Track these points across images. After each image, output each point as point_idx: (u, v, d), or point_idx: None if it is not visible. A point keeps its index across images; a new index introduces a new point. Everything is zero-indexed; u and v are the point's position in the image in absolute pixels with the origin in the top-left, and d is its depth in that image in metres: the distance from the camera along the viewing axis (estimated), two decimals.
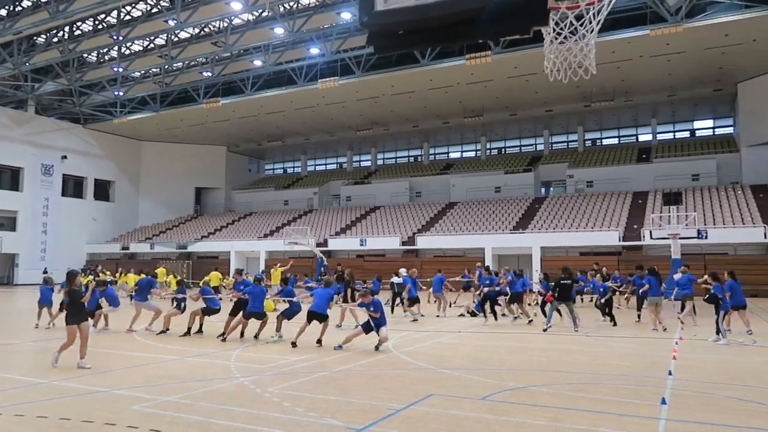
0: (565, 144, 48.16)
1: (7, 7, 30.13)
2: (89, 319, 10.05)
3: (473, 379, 8.33)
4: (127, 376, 8.56)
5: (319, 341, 11.61)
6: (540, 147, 48.36)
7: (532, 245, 32.69)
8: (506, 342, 12.37)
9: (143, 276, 16.10)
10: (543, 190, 44.62)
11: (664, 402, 6.77)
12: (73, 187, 48.09)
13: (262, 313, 12.50)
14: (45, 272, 33.29)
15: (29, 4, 29.71)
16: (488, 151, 50.36)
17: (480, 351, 11.10)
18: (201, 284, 17.71)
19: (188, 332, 13.05)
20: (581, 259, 30.89)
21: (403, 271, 18.75)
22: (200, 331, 13.33)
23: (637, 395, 7.31)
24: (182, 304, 13.68)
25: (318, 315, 11.74)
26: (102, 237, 48.79)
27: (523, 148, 49.81)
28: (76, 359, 9.44)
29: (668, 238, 26.62)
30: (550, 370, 9.09)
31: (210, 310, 13.35)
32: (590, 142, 47.07)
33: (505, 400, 7.00)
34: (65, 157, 46.23)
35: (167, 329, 13.54)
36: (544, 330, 13.88)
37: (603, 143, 46.81)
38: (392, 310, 17.94)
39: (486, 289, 15.92)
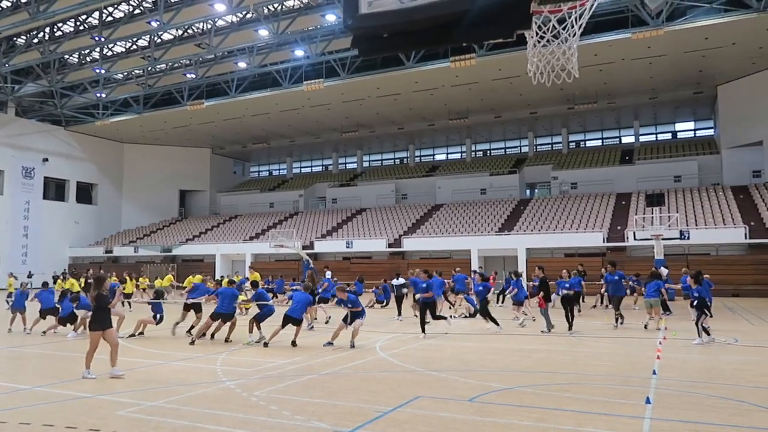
0: (550, 146, 48.53)
1: None
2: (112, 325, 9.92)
3: (460, 380, 8.36)
4: (111, 381, 8.47)
5: (293, 342, 11.94)
6: (525, 149, 48.67)
7: (518, 247, 32.88)
8: (493, 344, 12.42)
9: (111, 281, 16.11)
10: (528, 191, 44.91)
11: (648, 401, 6.85)
12: (54, 189, 47.47)
13: (229, 314, 12.59)
14: (29, 276, 32.86)
15: (8, 4, 29.33)
16: (473, 153, 50.58)
17: (467, 353, 11.14)
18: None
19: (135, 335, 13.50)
20: (566, 261, 31.13)
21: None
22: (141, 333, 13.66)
23: (622, 395, 7.39)
24: (158, 315, 13.65)
25: (292, 319, 12.01)
26: (85, 240, 48.20)
27: (507, 150, 50.11)
28: (69, 365, 9.31)
29: (651, 239, 26.97)
30: (536, 371, 9.15)
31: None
32: (574, 143, 47.49)
33: (492, 402, 7.04)
34: (47, 159, 45.63)
35: (141, 333, 13.64)
36: (547, 331, 13.97)
37: (587, 145, 47.26)
38: (399, 312, 18.33)
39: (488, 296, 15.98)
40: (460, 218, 38.71)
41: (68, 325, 14.07)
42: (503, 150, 50.34)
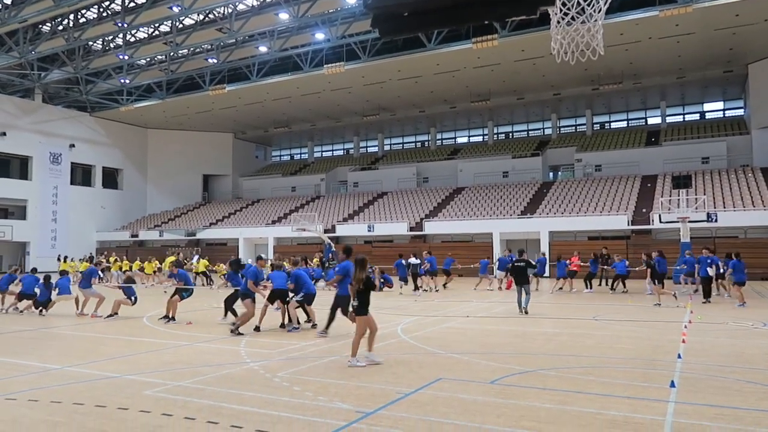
0: (573, 128, 47.81)
1: None
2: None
3: (482, 363, 8.35)
4: (138, 361, 8.65)
5: (282, 325, 12.14)
6: (548, 131, 48.04)
7: (540, 230, 32.61)
8: (514, 326, 12.38)
9: (90, 265, 17.13)
10: (551, 174, 44.41)
11: (673, 385, 6.77)
12: (81, 175, 48.36)
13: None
14: (58, 259, 33.55)
15: None
16: (495, 135, 50.08)
17: (488, 335, 11.13)
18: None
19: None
20: (590, 244, 30.83)
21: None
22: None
23: (646, 378, 7.32)
24: (133, 297, 14.46)
25: (280, 292, 12.03)
26: (111, 225, 49.10)
27: (530, 132, 49.51)
28: (95, 345, 9.52)
29: (677, 222, 26.49)
30: (558, 354, 9.10)
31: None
32: (599, 125, 46.70)
33: (514, 384, 7.03)
34: (73, 145, 46.42)
35: (115, 313, 14.16)
36: (525, 312, 14.29)
37: (611, 127, 46.44)
38: (416, 288, 21.32)
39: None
40: (482, 201, 38.48)
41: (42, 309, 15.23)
42: (526, 132, 49.75)
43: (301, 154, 60.65)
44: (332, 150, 59.04)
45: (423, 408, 5.95)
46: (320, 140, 58.43)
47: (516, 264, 13.50)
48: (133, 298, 14.43)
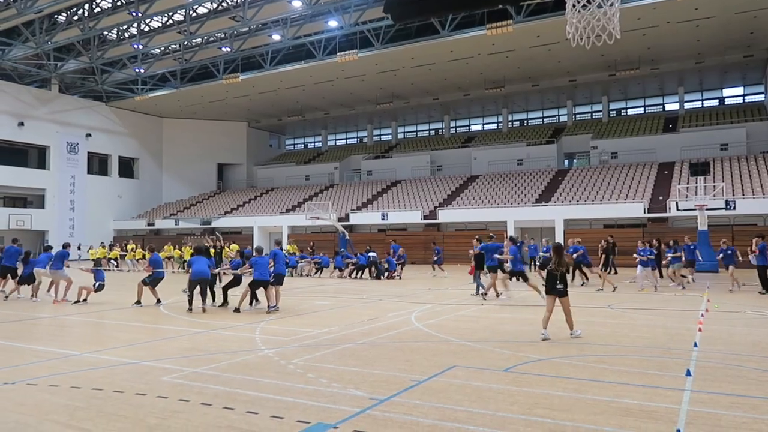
0: (589, 114, 47.30)
1: None
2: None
3: (496, 351, 8.36)
4: (155, 348, 8.77)
5: (269, 308, 12.75)
6: (563, 118, 47.58)
7: (555, 218, 32.42)
8: (528, 314, 12.35)
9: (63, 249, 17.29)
10: (566, 161, 44.04)
11: (689, 374, 6.73)
12: (98, 164, 48.86)
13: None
14: (78, 248, 34.10)
15: None
16: (510, 123, 49.70)
17: (502, 323, 11.12)
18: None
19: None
20: (605, 232, 30.58)
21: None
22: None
23: (661, 367, 7.27)
24: (98, 284, 14.86)
25: (262, 282, 12.72)
26: (128, 213, 49.63)
27: (545, 119, 49.07)
28: (112, 332, 9.66)
29: (695, 210, 26.20)
30: (573, 342, 9.07)
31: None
32: (615, 112, 46.15)
33: (528, 372, 7.03)
34: (89, 135, 46.87)
35: (84, 300, 14.71)
36: (482, 296, 15.04)
37: (628, 113, 45.87)
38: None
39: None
40: (497, 189, 38.30)
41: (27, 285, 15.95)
42: (541, 119, 49.32)
43: (314, 142, 60.70)
44: (346, 138, 59.01)
45: (437, 395, 5.97)
46: (334, 129, 58.41)
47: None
48: (98, 284, 14.73)
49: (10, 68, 40.34)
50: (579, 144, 43.04)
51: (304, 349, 8.53)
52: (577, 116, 47.47)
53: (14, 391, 6.29)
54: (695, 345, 8.56)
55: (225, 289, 14.07)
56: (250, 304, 13.45)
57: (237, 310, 12.79)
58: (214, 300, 13.91)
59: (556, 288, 9.19)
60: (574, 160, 44.25)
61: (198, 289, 13.06)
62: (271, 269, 13.05)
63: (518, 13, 30.22)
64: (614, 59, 35.57)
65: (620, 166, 37.77)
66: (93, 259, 29.22)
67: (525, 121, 50.08)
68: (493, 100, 46.83)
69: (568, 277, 13.68)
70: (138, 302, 14.24)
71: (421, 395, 5.99)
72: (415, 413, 5.39)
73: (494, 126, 50.73)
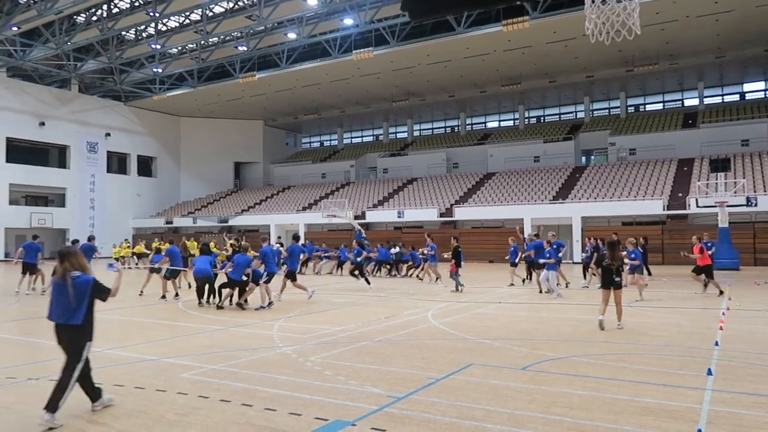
0: (607, 111, 46.83)
1: None
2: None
3: (513, 349, 8.33)
4: (175, 345, 8.87)
5: (239, 304, 13.00)
6: (580, 114, 47.15)
7: (573, 215, 32.18)
8: (546, 313, 12.29)
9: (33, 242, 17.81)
10: (584, 158, 43.65)
11: (710, 373, 6.65)
12: (117, 163, 49.46)
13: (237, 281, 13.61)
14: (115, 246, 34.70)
15: None
16: (526, 119, 49.37)
17: (520, 321, 11.07)
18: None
19: None
20: (624, 229, 30.29)
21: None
22: None
23: (681, 366, 7.19)
24: None
25: (232, 281, 12.96)
26: (146, 212, 50.19)
27: (562, 116, 48.66)
28: (132, 329, 9.78)
29: (715, 207, 25.84)
30: (591, 340, 9.00)
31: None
32: (633, 108, 45.61)
33: (546, 370, 6.99)
34: (109, 134, 47.46)
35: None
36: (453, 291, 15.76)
37: (646, 109, 45.30)
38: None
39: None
40: (513, 186, 38.09)
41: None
42: (558, 116, 48.92)
43: (330, 140, 60.83)
44: (362, 136, 59.05)
45: (454, 393, 5.97)
46: (350, 126, 58.49)
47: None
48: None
49: (31, 69, 40.97)
50: (596, 140, 42.63)
51: (321, 347, 8.56)
52: (595, 112, 47.02)
53: (38, 387, 6.40)
54: (716, 344, 8.46)
55: (219, 288, 13.86)
56: (207, 300, 13.72)
57: (220, 307, 13.05)
58: (220, 298, 13.71)
59: (614, 281, 9.90)
60: (592, 157, 43.84)
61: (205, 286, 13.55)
62: (262, 268, 13.33)
63: (534, 9, 29.99)
64: (632, 54, 35.16)
65: (638, 162, 37.36)
66: (116, 257, 29.69)
67: (542, 118, 49.72)
68: (509, 97, 46.55)
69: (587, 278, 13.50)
70: (163, 297, 14.67)
71: (438, 393, 5.99)
72: (432, 411, 5.39)
73: (510, 123, 50.44)
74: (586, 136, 43.35)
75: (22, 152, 42.57)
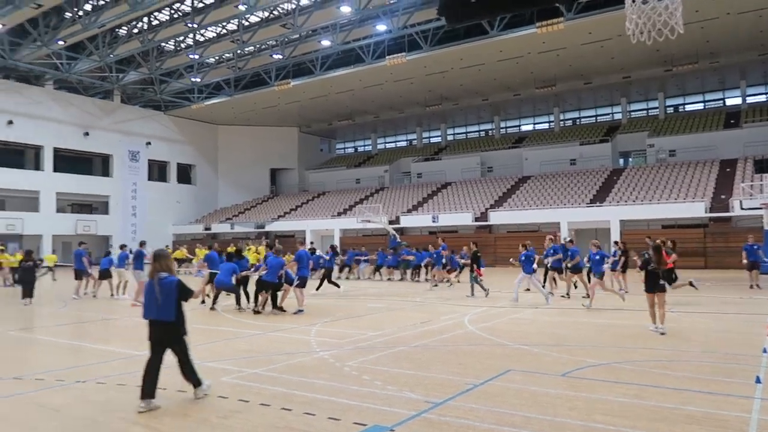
0: (645, 111, 45.82)
1: (91, 2, 31.78)
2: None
3: (552, 355, 8.22)
4: (215, 349, 9.04)
5: (278, 308, 13.22)
6: (617, 116, 46.27)
7: (611, 219, 31.55)
8: (585, 318, 12.09)
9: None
10: (621, 161, 42.82)
11: (758, 381, 6.44)
12: (157, 171, 50.74)
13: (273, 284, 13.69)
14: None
15: None
16: (562, 122, 48.72)
17: (558, 327, 10.92)
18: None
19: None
20: (664, 233, 29.58)
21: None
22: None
23: (728, 373, 6.99)
24: None
25: (266, 283, 13.02)
26: (186, 218, 51.29)
27: (599, 117, 47.84)
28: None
29: (761, 208, 25.01)
30: (632, 346, 8.82)
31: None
32: (672, 108, 44.52)
33: (586, 377, 6.88)
34: (149, 143, 48.75)
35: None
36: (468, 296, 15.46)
37: (686, 109, 44.15)
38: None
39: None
40: (549, 190, 37.60)
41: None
42: (594, 118, 48.11)
43: (364, 146, 61.14)
44: (395, 141, 59.17)
45: (492, 399, 5.93)
46: (383, 132, 58.69)
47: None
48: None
49: (76, 81, 42.41)
50: (634, 142, 41.76)
51: (358, 352, 8.61)
52: (632, 114, 46.07)
53: (86, 389, 6.62)
54: (765, 350, 8.18)
55: (255, 291, 14.05)
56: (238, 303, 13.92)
57: (257, 311, 13.24)
58: (256, 303, 13.88)
59: (658, 285, 9.88)
60: (630, 159, 42.96)
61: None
62: (295, 272, 13.46)
63: (569, 10, 29.61)
64: (671, 54, 34.34)
65: (679, 164, 36.43)
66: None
67: (577, 120, 48.98)
68: (544, 100, 46.02)
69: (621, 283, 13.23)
70: (203, 301, 14.99)
71: (476, 399, 5.96)
72: (471, 417, 5.37)
73: (546, 126, 49.83)
74: (623, 138, 42.50)
75: (68, 162, 44.07)
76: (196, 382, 6.12)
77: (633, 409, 5.54)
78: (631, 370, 7.22)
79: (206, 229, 48.86)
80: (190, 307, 14.47)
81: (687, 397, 5.92)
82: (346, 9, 31.53)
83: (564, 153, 42.71)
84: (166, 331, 5.96)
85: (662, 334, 9.66)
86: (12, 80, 40.96)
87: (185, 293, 5.99)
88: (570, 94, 44.47)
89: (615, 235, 30.62)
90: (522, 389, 6.33)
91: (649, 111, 45.43)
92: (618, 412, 5.47)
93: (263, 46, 39.00)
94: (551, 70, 38.31)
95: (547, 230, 32.87)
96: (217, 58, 41.05)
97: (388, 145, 59.32)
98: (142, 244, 17.27)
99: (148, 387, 5.82)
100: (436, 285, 19.94)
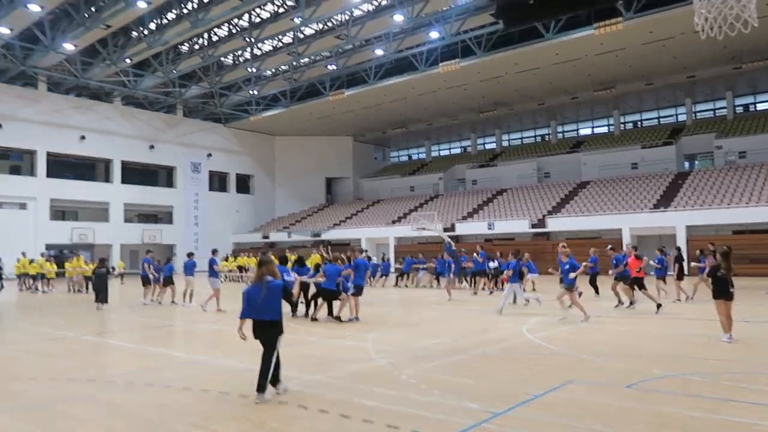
0: (712, 112, 43.84)
1: (155, 21, 33.25)
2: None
3: (616, 365, 7.93)
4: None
5: (336, 317, 13.04)
6: (681, 117, 44.48)
7: (676, 224, 30.30)
8: (649, 327, 11.62)
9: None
10: (687, 164, 41.08)
11: None
12: (218, 182, 52.38)
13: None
14: (226, 258, 36.92)
15: (173, 16, 32.53)
16: (622, 125, 47.24)
17: (621, 336, 10.54)
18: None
19: None
20: (734, 239, 28.19)
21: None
22: None
23: None
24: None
25: (325, 291, 12.99)
26: (244, 227, 52.65)
27: (661, 119, 46.11)
28: (230, 339, 10.28)
29: None
30: (702, 358, 8.41)
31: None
32: (741, 108, 42.40)
33: (654, 389, 6.60)
34: (210, 154, 50.44)
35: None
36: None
37: (757, 108, 41.95)
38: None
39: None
40: (609, 195, 36.48)
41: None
42: (656, 120, 46.41)
43: (418, 153, 61.13)
44: (449, 148, 58.89)
45: (554, 411, 5.77)
46: (437, 139, 58.53)
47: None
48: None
49: (142, 97, 44.40)
50: (701, 144, 39.99)
51: (416, 360, 8.57)
52: (698, 114, 44.17)
53: (153, 393, 6.86)
54: None
55: (313, 298, 14.14)
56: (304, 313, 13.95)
57: (314, 319, 13.32)
58: (314, 310, 13.96)
59: (729, 292, 9.55)
60: (696, 162, 41.17)
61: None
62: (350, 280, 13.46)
63: (628, 9, 28.74)
64: (739, 50, 32.76)
65: (750, 166, 34.60)
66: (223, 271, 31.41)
67: (639, 123, 47.36)
68: (602, 102, 44.78)
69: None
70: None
71: (537, 410, 5.81)
72: (532, 428, 5.24)
73: (605, 129, 48.45)
74: (688, 140, 40.80)
75: (134, 174, 46.11)
76: (275, 380, 6.52)
77: (707, 424, 5.27)
78: (702, 383, 6.88)
79: (264, 237, 49.95)
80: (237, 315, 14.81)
81: (766, 413, 5.57)
82: (399, 18, 31.70)
83: (625, 157, 41.39)
84: (272, 329, 6.47)
85: (729, 342, 9.32)
86: (84, 98, 43.27)
87: (288, 295, 6.79)
88: (630, 95, 43.10)
89: (681, 242, 29.40)
90: (585, 401, 6.13)
91: (716, 111, 43.44)
92: (690, 427, 5.21)
93: (318, 58, 39.70)
94: (610, 71, 37.26)
95: (608, 237, 31.92)
96: (273, 70, 42.06)
97: (442, 152, 59.09)
98: (215, 252, 17.79)
99: (274, 377, 6.47)
100: (491, 292, 19.59)
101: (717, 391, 6.44)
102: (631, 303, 14.70)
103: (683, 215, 30.52)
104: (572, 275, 12.64)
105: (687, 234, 29.94)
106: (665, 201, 33.22)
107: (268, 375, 6.37)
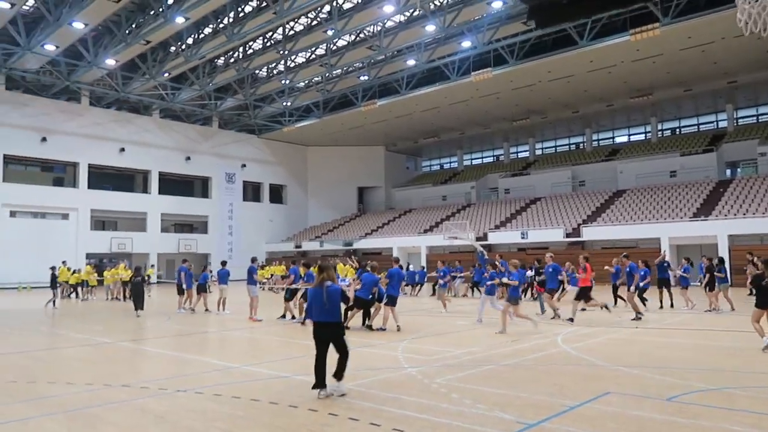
0: (755, 118, 42.49)
1: (193, 36, 34.05)
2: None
3: (654, 377, 7.69)
4: (306, 363, 9.12)
5: (368, 326, 13.21)
6: (722, 124, 43.25)
7: (718, 233, 29.38)
8: (688, 339, 11.25)
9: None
10: (728, 171, 39.90)
11: None
12: (251, 192, 53.10)
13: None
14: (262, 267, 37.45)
15: (210, 31, 33.27)
16: (660, 132, 46.20)
17: (659, 348, 10.22)
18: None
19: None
20: None
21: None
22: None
23: None
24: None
25: (360, 300, 12.94)
26: (278, 237, 53.18)
27: (701, 126, 44.93)
28: (267, 346, 10.30)
29: None
30: (746, 371, 8.08)
31: None
32: None
33: (695, 402, 6.36)
34: (244, 165, 51.23)
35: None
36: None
37: None
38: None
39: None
40: (647, 204, 35.65)
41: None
42: (696, 127, 45.24)
43: (450, 162, 60.89)
44: (482, 157, 58.50)
45: (591, 423, 5.60)
46: (469, 148, 58.22)
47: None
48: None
49: (179, 109, 45.44)
50: (743, 151, 38.80)
51: (446, 369, 8.46)
52: (739, 121, 42.89)
53: (185, 399, 6.92)
54: None
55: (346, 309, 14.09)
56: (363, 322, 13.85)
57: (346, 328, 13.04)
58: (347, 318, 13.86)
59: None
60: (738, 169, 39.93)
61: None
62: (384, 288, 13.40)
63: (665, 14, 28.18)
64: None
65: None
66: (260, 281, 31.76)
67: (677, 130, 46.24)
68: (639, 110, 43.90)
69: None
70: (282, 316, 15.64)
71: (573, 422, 5.65)
72: None
73: (642, 137, 47.46)
74: (729, 147, 39.64)
75: (171, 184, 47.12)
76: (340, 376, 6.91)
77: None
78: (746, 396, 6.61)
79: (297, 246, 50.36)
80: (272, 322, 14.91)
81: None
82: (430, 28, 31.75)
83: (663, 165, 40.44)
84: (333, 330, 6.99)
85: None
86: (124, 111, 44.52)
87: (345, 298, 7.39)
88: (668, 102, 42.14)
89: (723, 251, 28.50)
90: (622, 413, 5.94)
91: (759, 117, 42.11)
92: None
93: (350, 69, 40.02)
94: (647, 78, 36.52)
95: (646, 246, 31.14)
96: (306, 82, 42.56)
97: (475, 161, 58.73)
98: (254, 260, 18.19)
99: (320, 378, 6.84)
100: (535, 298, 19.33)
101: (762, 406, 6.16)
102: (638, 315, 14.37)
103: (725, 224, 29.60)
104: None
105: (729, 243, 29.01)
106: (706, 209, 32.29)
107: (345, 366, 6.92)
